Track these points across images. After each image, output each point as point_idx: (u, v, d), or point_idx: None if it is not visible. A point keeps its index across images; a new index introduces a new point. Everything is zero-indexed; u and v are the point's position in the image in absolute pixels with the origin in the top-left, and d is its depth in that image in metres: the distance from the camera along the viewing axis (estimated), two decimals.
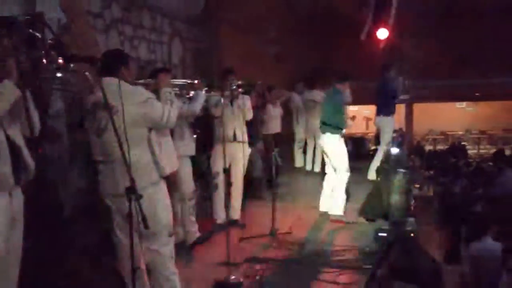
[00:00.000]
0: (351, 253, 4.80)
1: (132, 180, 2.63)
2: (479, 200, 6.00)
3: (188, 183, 4.91)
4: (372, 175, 7.86)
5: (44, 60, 2.57)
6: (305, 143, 9.28)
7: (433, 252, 4.78)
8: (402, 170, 6.64)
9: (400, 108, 20.42)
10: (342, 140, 6.10)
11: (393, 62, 8.14)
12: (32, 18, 4.32)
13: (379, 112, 8.21)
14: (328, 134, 6.05)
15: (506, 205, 5.87)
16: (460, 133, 21.72)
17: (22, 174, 2.59)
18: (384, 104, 8.10)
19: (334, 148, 6.05)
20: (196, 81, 4.41)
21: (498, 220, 4.89)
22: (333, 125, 6.01)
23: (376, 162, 7.93)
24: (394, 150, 7.28)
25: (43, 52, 2.58)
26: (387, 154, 7.37)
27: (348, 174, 6.10)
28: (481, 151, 19.19)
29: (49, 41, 2.67)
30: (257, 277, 4.22)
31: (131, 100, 3.04)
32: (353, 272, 4.30)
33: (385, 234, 5.05)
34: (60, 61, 2.60)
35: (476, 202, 5.71)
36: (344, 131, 6.14)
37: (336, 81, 6.24)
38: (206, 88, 4.66)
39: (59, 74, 2.62)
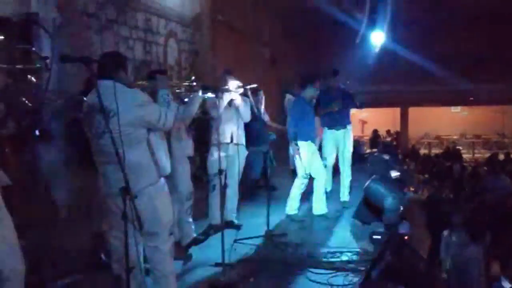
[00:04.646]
0: (346, 255, 4.81)
1: (126, 181, 2.64)
2: (468, 204, 6.02)
3: (186, 184, 4.91)
4: (345, 196, 7.12)
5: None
6: None
7: (426, 255, 4.81)
8: (395, 173, 6.70)
9: (396, 112, 20.60)
10: (311, 147, 6.21)
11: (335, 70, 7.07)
12: (27, 19, 4.34)
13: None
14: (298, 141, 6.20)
15: (498, 210, 5.90)
16: (455, 137, 21.85)
17: None
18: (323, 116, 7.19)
19: (296, 157, 6.22)
20: (194, 83, 4.40)
21: (489, 225, 4.91)
22: (300, 133, 6.15)
23: (346, 182, 7.13)
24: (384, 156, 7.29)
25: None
26: (377, 159, 7.39)
27: (304, 180, 6.23)
28: (476, 155, 19.28)
29: None
30: (251, 279, 4.23)
31: (128, 103, 3.05)
32: (347, 274, 4.30)
33: (379, 237, 5.07)
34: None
35: (464, 207, 5.74)
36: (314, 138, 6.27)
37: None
38: (201, 90, 4.64)
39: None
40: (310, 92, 6.31)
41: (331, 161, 7.05)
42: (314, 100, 7.10)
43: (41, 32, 4.83)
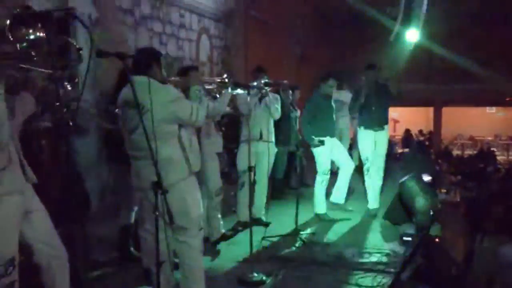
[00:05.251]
0: (375, 256, 4.75)
1: (158, 175, 2.67)
2: (503, 206, 5.85)
3: (215, 180, 4.93)
4: (373, 204, 6.51)
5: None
6: None
7: (458, 258, 4.71)
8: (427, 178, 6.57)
9: (429, 112, 20.23)
10: (329, 142, 6.12)
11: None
12: (64, 13, 4.42)
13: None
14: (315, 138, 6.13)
15: None
16: (489, 138, 21.31)
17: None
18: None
19: (315, 153, 6.16)
20: (226, 80, 4.38)
21: None
22: (316, 129, 6.07)
23: (376, 186, 6.53)
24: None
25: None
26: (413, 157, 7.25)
27: (325, 176, 6.15)
28: (511, 157, 18.77)
29: None
30: (279, 277, 4.22)
31: (161, 99, 3.08)
32: (376, 275, 4.25)
33: (410, 238, 5.00)
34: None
35: (497, 209, 5.58)
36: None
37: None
38: (232, 87, 4.63)
39: None
40: (325, 89, 6.16)
41: (373, 159, 6.41)
42: (344, 98, 7.08)
43: (79, 27, 4.91)
